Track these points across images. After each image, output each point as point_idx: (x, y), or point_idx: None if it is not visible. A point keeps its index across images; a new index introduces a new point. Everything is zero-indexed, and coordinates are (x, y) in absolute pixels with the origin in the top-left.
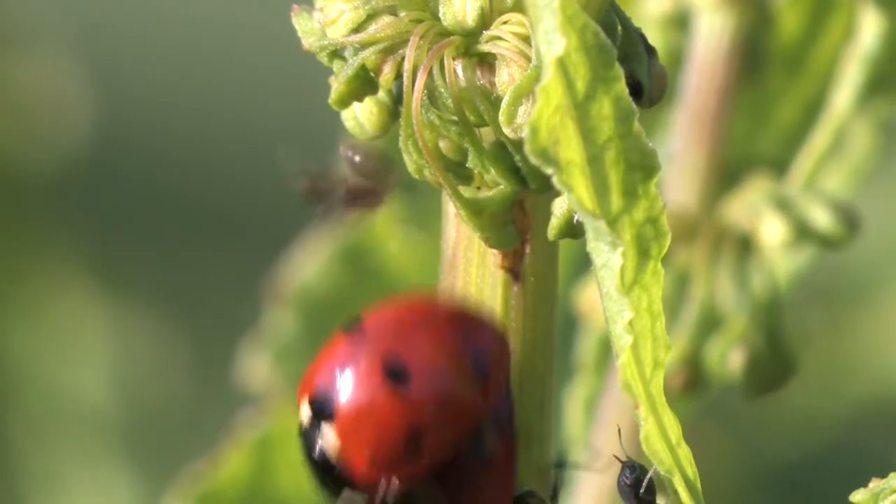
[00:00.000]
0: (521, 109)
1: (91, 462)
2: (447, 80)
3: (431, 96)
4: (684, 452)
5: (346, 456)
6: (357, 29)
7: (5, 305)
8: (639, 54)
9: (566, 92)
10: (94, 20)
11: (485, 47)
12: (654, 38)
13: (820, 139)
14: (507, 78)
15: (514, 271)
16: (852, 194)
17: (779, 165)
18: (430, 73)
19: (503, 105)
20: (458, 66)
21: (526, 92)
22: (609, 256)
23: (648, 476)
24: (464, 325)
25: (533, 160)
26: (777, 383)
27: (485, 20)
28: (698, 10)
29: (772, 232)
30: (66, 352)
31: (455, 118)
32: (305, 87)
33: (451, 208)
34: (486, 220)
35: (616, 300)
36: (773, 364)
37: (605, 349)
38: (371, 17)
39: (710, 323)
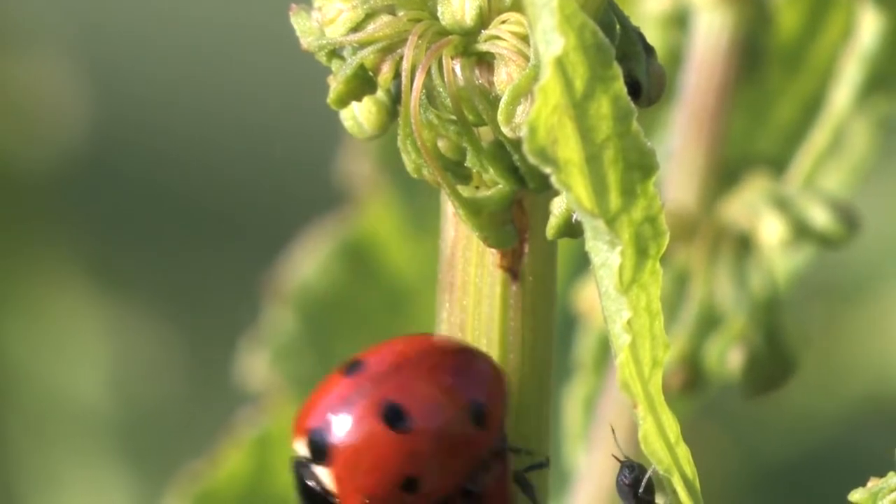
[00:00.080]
0: (520, 109)
1: (89, 462)
2: (446, 79)
3: (430, 95)
4: (683, 452)
5: (341, 498)
6: (355, 28)
7: (3, 304)
8: (637, 53)
9: (564, 91)
10: (93, 20)
11: (483, 47)
12: (652, 36)
13: (819, 138)
14: (505, 77)
15: (512, 270)
16: (851, 193)
17: (778, 164)
18: (428, 73)
19: (501, 104)
20: (457, 66)
21: (524, 91)
22: (607, 255)
23: (647, 475)
24: (462, 367)
25: (531, 159)
26: (776, 382)
27: (483, 19)
28: (697, 9)
29: (771, 231)
30: (64, 351)
31: (453, 117)
32: (305, 87)
33: (449, 207)
34: (485, 220)
35: (614, 299)
36: (772, 363)
37: (604, 348)
38: (369, 16)
39: (709, 322)
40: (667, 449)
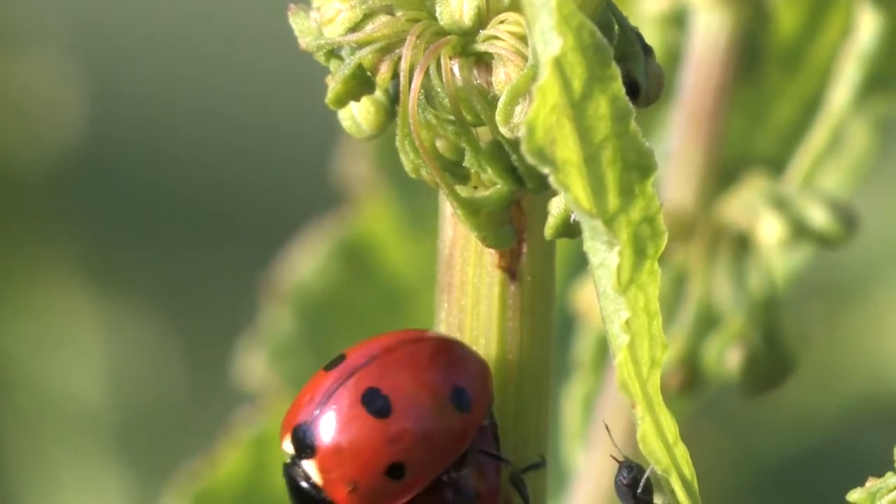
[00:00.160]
0: (518, 109)
1: (87, 461)
2: (444, 79)
3: (428, 96)
4: (681, 451)
5: (329, 491)
6: (354, 28)
7: (2, 304)
8: (635, 53)
9: (563, 91)
10: (93, 20)
11: (481, 47)
12: (650, 37)
13: (817, 138)
14: (503, 77)
15: (511, 271)
16: (850, 193)
17: (776, 164)
18: (426, 73)
19: (500, 104)
20: (455, 66)
21: (522, 91)
22: (606, 255)
23: (646, 475)
24: (441, 352)
25: (529, 159)
26: (775, 382)
27: (481, 20)
28: (695, 9)
29: (769, 231)
30: (62, 350)
31: (452, 117)
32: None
33: (447, 207)
34: (483, 220)
35: (613, 299)
36: (770, 363)
37: (603, 348)
38: (368, 16)
39: (708, 322)
40: (665, 449)
